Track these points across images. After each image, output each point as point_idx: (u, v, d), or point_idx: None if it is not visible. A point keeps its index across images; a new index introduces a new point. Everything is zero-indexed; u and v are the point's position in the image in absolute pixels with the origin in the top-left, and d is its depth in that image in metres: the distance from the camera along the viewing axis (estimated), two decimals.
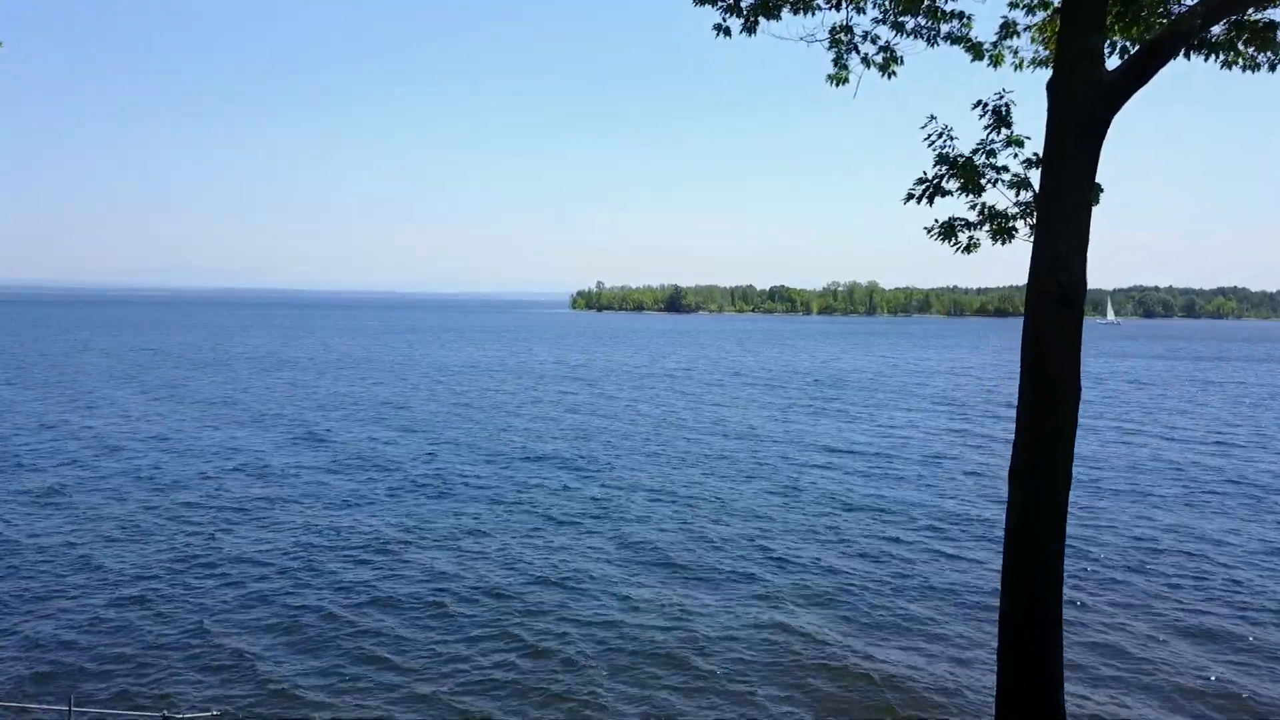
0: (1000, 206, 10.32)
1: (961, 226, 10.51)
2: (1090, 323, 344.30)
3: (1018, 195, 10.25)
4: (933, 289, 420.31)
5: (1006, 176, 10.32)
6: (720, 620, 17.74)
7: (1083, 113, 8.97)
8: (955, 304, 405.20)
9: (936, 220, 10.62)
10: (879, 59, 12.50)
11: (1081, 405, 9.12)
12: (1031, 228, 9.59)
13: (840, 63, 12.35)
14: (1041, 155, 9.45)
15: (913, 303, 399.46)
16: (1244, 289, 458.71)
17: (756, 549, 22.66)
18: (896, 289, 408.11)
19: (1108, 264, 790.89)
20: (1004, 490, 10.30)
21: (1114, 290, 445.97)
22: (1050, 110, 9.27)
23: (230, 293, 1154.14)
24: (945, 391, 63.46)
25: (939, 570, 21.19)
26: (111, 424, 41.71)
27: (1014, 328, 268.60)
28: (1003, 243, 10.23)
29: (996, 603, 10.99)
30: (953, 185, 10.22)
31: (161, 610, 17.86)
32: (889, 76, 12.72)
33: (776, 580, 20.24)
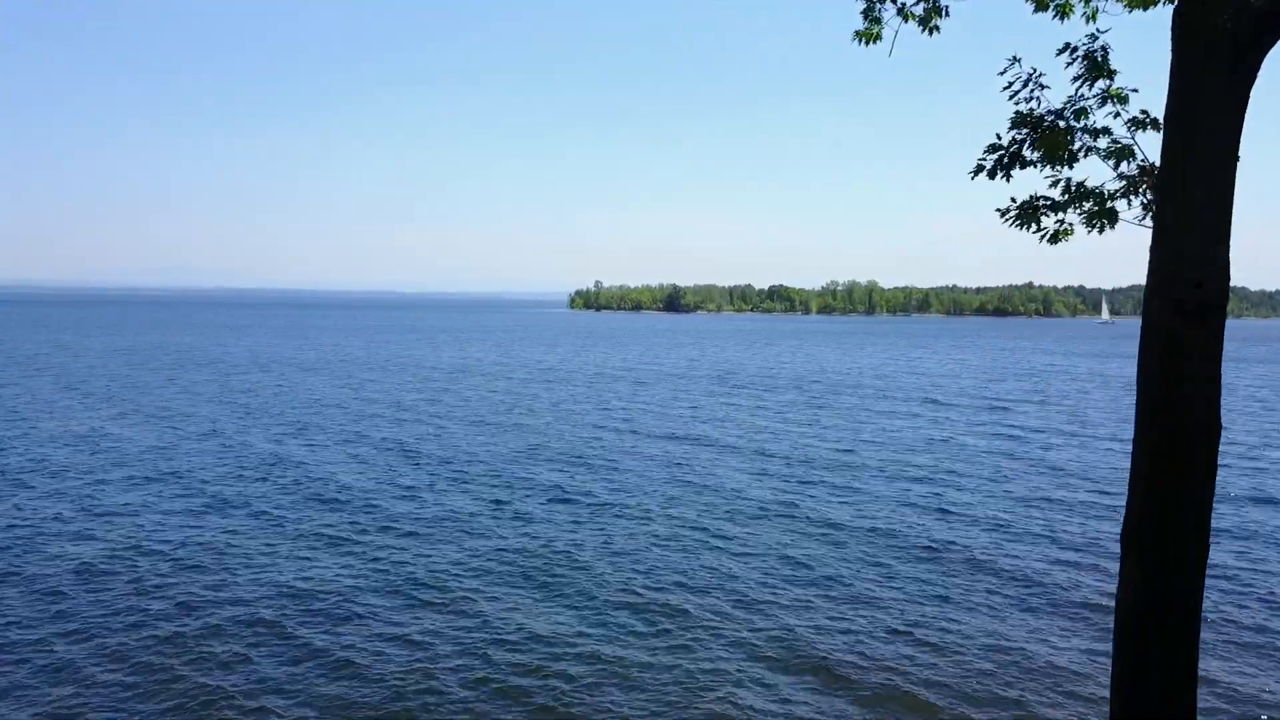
0: (1096, 183, 7.85)
1: (1046, 208, 7.99)
2: (1086, 322, 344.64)
3: (1118, 167, 7.81)
4: (932, 288, 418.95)
5: (1103, 144, 7.89)
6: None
7: (1224, 51, 6.54)
8: (955, 303, 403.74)
9: (1013, 201, 8.08)
10: (919, 9, 10.06)
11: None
12: (1147, 206, 7.18)
13: (872, 14, 9.91)
14: (1165, 112, 7.01)
15: (912, 302, 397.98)
16: (1244, 288, 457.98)
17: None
18: (896, 288, 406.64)
19: (1108, 262, 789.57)
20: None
21: (1113, 289, 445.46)
22: (1177, 51, 6.80)
23: (230, 292, 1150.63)
24: (960, 391, 61.27)
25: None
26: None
27: (1013, 327, 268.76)
28: (1099, 230, 7.78)
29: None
30: (1035, 154, 7.76)
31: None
32: (930, 32, 10.25)
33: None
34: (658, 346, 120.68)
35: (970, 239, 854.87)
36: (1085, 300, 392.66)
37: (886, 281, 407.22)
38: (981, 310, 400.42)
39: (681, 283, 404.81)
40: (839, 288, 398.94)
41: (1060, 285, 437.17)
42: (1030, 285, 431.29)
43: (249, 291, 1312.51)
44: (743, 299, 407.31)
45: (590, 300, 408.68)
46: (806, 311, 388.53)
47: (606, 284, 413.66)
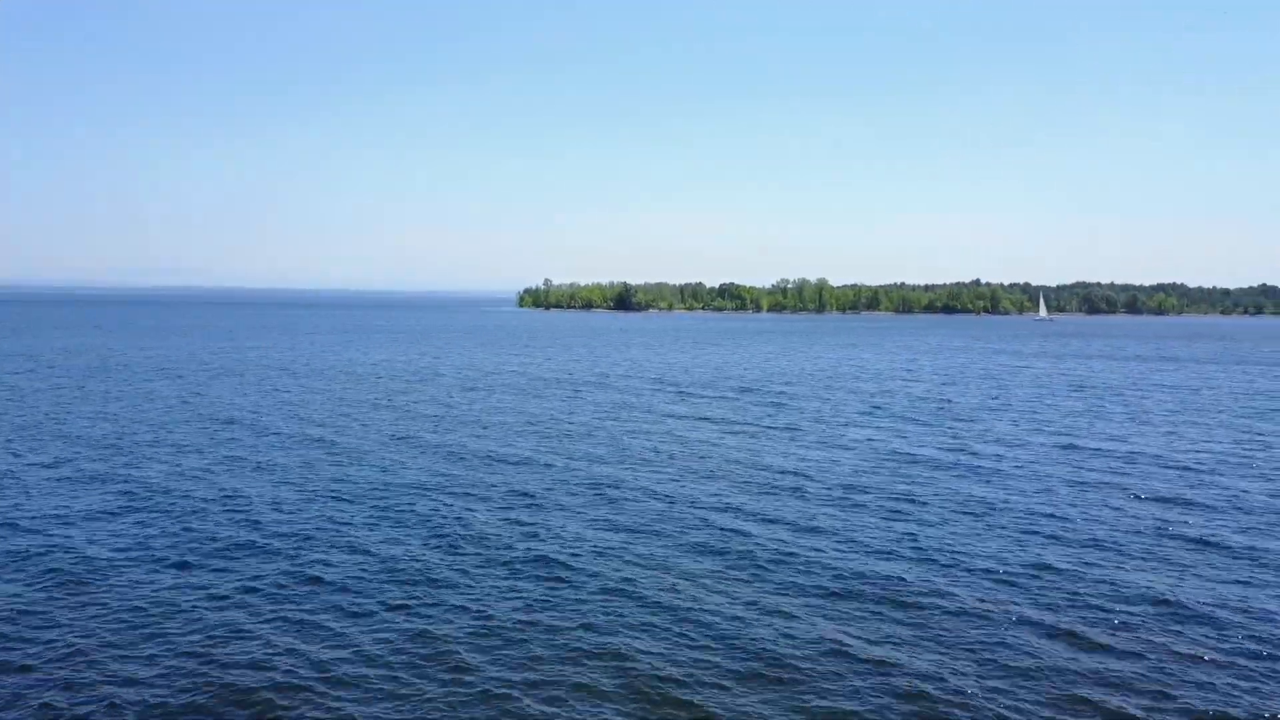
0: None
1: None
2: (1023, 319, 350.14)
3: None
4: (881, 286, 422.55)
5: None
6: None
7: None
8: (904, 301, 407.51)
9: None
10: None
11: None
12: None
13: None
14: None
15: (862, 300, 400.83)
16: (1183, 285, 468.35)
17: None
18: (846, 286, 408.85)
19: (1053, 259, 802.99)
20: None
21: (1058, 286, 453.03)
22: None
23: (209, 292, 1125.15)
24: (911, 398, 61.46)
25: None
26: None
27: (961, 325, 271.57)
28: None
29: None
30: None
31: None
32: None
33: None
34: (585, 347, 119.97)
35: (920, 237, 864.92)
36: (1031, 297, 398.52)
37: (836, 279, 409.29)
38: (930, 308, 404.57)
39: (632, 280, 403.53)
40: (789, 286, 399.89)
41: (1007, 283, 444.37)
42: (978, 283, 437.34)
43: (205, 291, 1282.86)
44: (694, 297, 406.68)
45: (539, 299, 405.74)
46: (758, 310, 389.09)
47: (556, 282, 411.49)
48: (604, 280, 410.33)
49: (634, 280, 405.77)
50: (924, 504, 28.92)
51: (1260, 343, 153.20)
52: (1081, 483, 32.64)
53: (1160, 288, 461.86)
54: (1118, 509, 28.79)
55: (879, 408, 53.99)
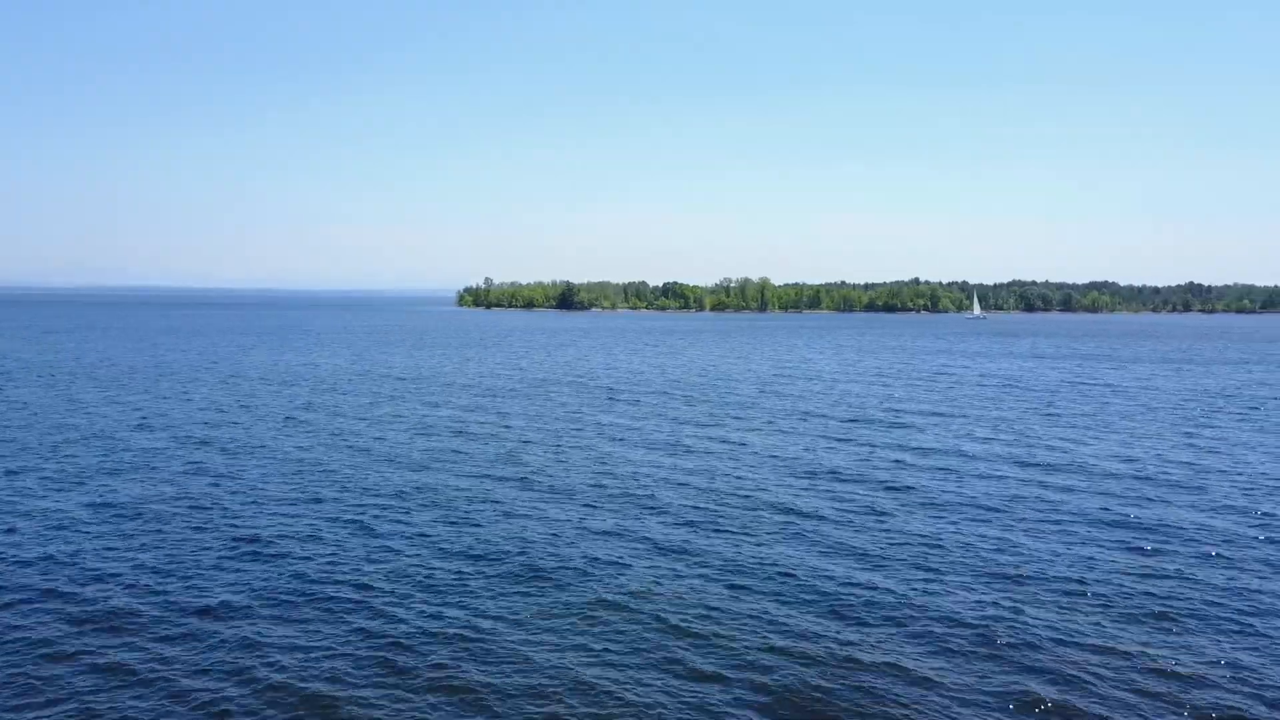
0: None
1: None
2: (959, 317, 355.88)
3: None
4: (822, 285, 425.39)
5: None
6: None
7: None
8: (845, 300, 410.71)
9: None
10: None
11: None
12: None
13: None
14: None
15: (803, 299, 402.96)
16: (1115, 283, 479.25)
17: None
18: (787, 285, 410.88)
19: (990, 258, 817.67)
20: None
21: (995, 285, 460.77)
22: None
23: (123, 291, 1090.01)
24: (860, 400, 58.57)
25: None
26: None
27: (901, 323, 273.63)
28: None
29: None
30: None
31: None
32: None
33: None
34: (520, 347, 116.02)
35: (860, 236, 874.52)
36: (969, 295, 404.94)
37: (777, 278, 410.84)
38: (871, 306, 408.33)
39: (575, 279, 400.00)
40: (732, 285, 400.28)
41: (946, 281, 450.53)
42: (917, 282, 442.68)
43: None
44: (637, 296, 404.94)
45: (480, 298, 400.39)
46: (701, 309, 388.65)
47: (497, 281, 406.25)
48: (546, 279, 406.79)
49: (577, 279, 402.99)
50: (853, 509, 25.83)
51: (1195, 341, 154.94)
52: (1042, 492, 29.88)
53: (1093, 286, 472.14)
54: (1072, 511, 26.07)
55: (809, 413, 51.06)
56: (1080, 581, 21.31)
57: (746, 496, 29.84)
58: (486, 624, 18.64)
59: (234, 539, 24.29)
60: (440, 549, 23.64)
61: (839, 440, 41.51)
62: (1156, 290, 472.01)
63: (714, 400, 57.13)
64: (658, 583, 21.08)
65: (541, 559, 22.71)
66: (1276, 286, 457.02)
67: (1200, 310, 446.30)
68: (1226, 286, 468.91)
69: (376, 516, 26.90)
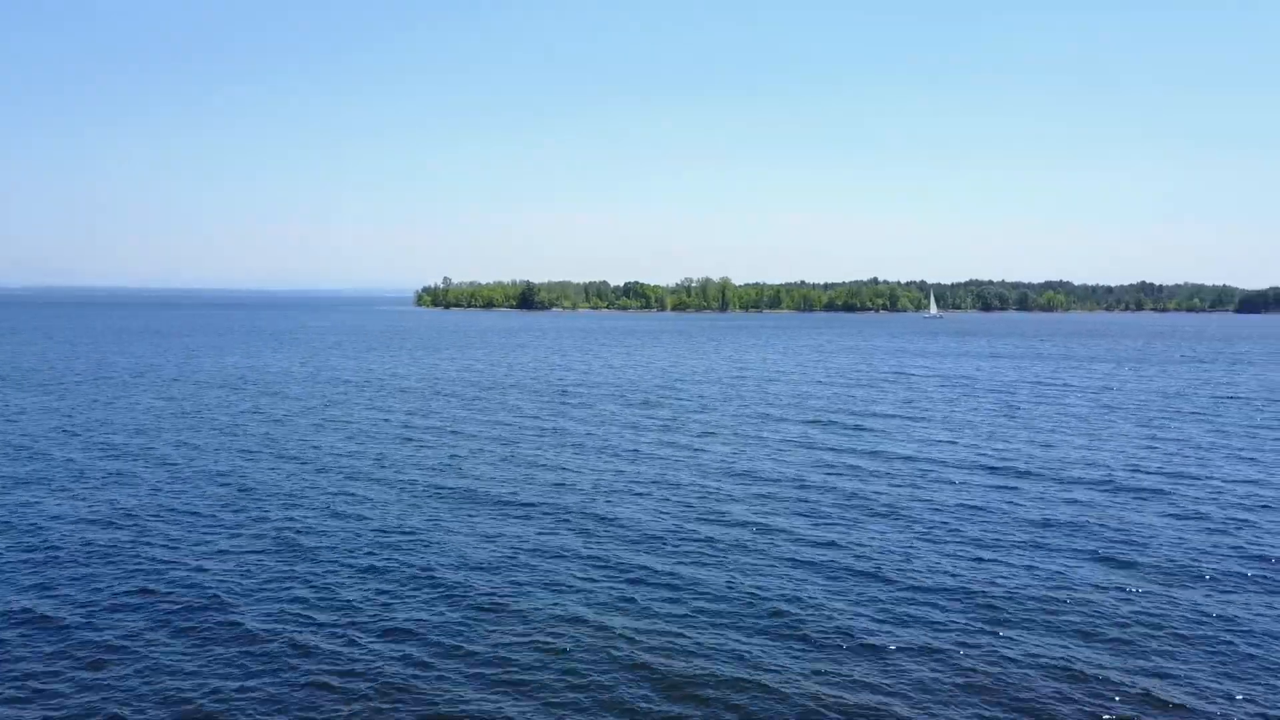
0: None
1: None
2: (916, 316, 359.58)
3: None
4: (782, 285, 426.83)
5: None
6: None
7: None
8: (805, 299, 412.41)
9: None
10: None
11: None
12: None
13: None
14: None
15: (764, 299, 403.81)
16: (1069, 283, 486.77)
17: None
18: (748, 285, 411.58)
19: (947, 258, 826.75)
20: None
21: (953, 284, 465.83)
22: None
23: (69, 291, 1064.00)
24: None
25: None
26: None
27: (860, 323, 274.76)
28: None
29: None
30: None
31: None
32: None
33: None
34: (474, 348, 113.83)
35: (820, 236, 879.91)
36: (927, 295, 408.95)
37: (738, 278, 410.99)
38: (831, 306, 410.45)
39: (536, 279, 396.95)
40: (693, 285, 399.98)
41: (904, 280, 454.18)
42: (876, 281, 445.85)
43: (65, 290, 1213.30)
44: (598, 296, 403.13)
45: (439, 297, 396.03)
46: (662, 308, 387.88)
47: (456, 280, 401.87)
48: (506, 279, 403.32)
49: (537, 279, 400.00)
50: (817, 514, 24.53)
51: (1152, 340, 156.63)
52: (1007, 496, 28.80)
53: (1049, 285, 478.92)
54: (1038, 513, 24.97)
55: (767, 416, 49.84)
56: (1050, 602, 20.15)
57: (701, 508, 28.43)
58: (419, 652, 17.02)
59: (139, 564, 22.38)
60: (360, 566, 21.94)
61: (796, 446, 40.26)
62: (1110, 290, 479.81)
63: (671, 404, 55.71)
64: (600, 606, 19.57)
65: (475, 580, 21.10)
66: (1224, 286, 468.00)
67: (1152, 309, 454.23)
68: (1177, 286, 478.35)
69: (301, 532, 25.10)
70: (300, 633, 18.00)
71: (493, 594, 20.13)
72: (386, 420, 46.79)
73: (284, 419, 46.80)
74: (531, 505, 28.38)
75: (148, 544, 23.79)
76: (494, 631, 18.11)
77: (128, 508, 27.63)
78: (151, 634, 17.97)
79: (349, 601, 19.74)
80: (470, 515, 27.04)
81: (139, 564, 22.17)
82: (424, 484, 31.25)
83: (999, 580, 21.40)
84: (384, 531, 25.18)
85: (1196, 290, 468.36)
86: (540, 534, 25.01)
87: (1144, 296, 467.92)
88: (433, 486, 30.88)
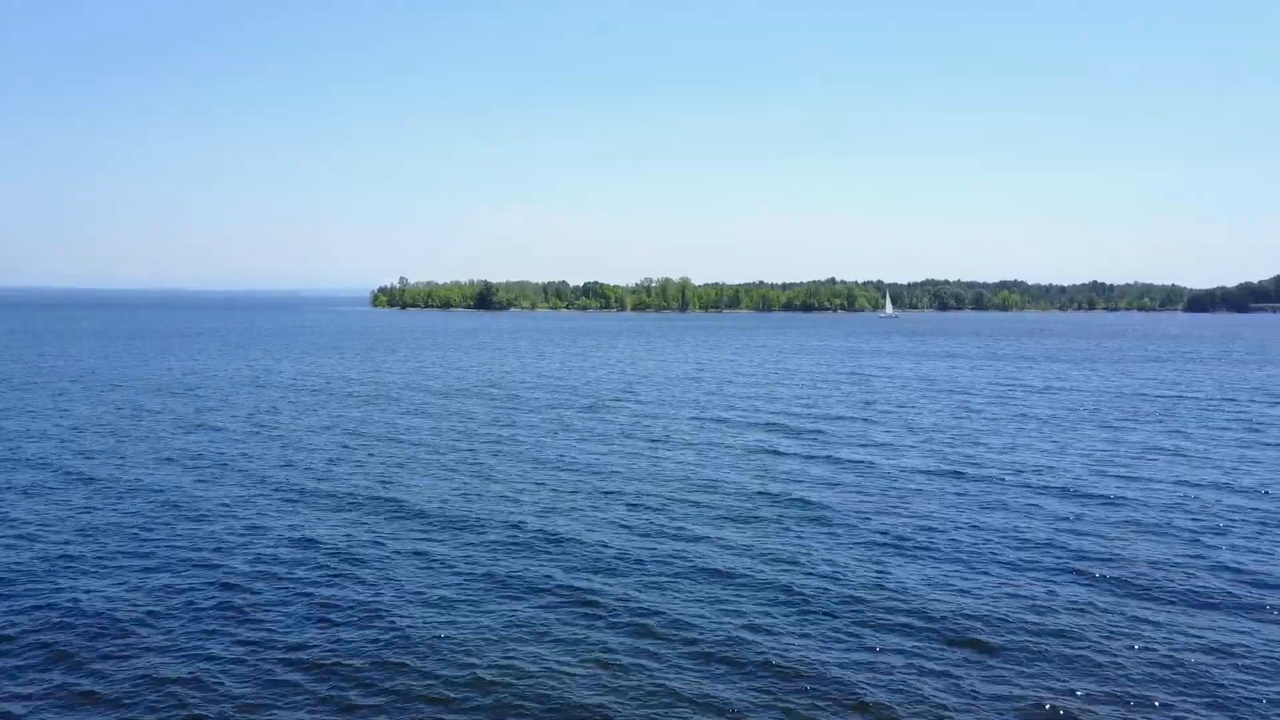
0: None
1: None
2: (872, 316, 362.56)
3: None
4: (741, 285, 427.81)
5: None
6: None
7: None
8: (764, 299, 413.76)
9: None
10: None
11: None
12: None
13: None
14: None
15: (723, 299, 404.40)
16: (1023, 282, 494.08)
17: None
18: (707, 285, 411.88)
19: (905, 258, 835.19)
20: None
21: (909, 284, 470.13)
22: None
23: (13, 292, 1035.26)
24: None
25: None
26: None
27: (817, 322, 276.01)
28: None
29: None
30: None
31: None
32: None
33: None
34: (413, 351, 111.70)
35: (778, 235, 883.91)
36: (884, 295, 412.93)
37: (697, 278, 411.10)
38: (789, 306, 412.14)
39: (493, 278, 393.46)
40: (653, 285, 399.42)
41: (861, 280, 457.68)
42: (833, 281, 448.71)
43: (77, 292, 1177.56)
44: (557, 296, 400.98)
45: (395, 298, 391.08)
46: (622, 308, 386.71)
47: (413, 280, 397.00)
48: (463, 278, 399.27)
49: (495, 278, 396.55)
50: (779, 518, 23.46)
51: (1103, 339, 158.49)
52: (963, 494, 27.98)
53: (1004, 284, 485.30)
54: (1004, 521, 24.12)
55: (725, 420, 48.83)
56: (1007, 620, 19.21)
57: (653, 523, 27.22)
58: (341, 689, 15.60)
59: (37, 588, 20.63)
60: (283, 586, 20.41)
61: (752, 453, 39.24)
62: (1063, 289, 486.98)
63: (627, 408, 54.50)
64: (530, 631, 18.26)
65: (394, 603, 19.68)
66: (1173, 285, 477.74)
67: (1104, 308, 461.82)
68: (1128, 285, 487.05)
69: (219, 549, 23.50)
70: (209, 666, 16.49)
71: (414, 624, 18.73)
72: (328, 429, 44.99)
73: (217, 427, 44.81)
74: (473, 521, 26.98)
75: (49, 566, 22.06)
76: (425, 660, 16.74)
77: (37, 523, 25.79)
78: (50, 666, 16.38)
79: (261, 622, 18.25)
80: (403, 532, 25.57)
81: (37, 587, 20.46)
82: (359, 497, 29.68)
83: (967, 599, 20.44)
84: (305, 546, 23.66)
85: (1146, 290, 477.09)
86: (478, 553, 23.63)
87: (1096, 296, 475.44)
88: (367, 500, 29.32)
